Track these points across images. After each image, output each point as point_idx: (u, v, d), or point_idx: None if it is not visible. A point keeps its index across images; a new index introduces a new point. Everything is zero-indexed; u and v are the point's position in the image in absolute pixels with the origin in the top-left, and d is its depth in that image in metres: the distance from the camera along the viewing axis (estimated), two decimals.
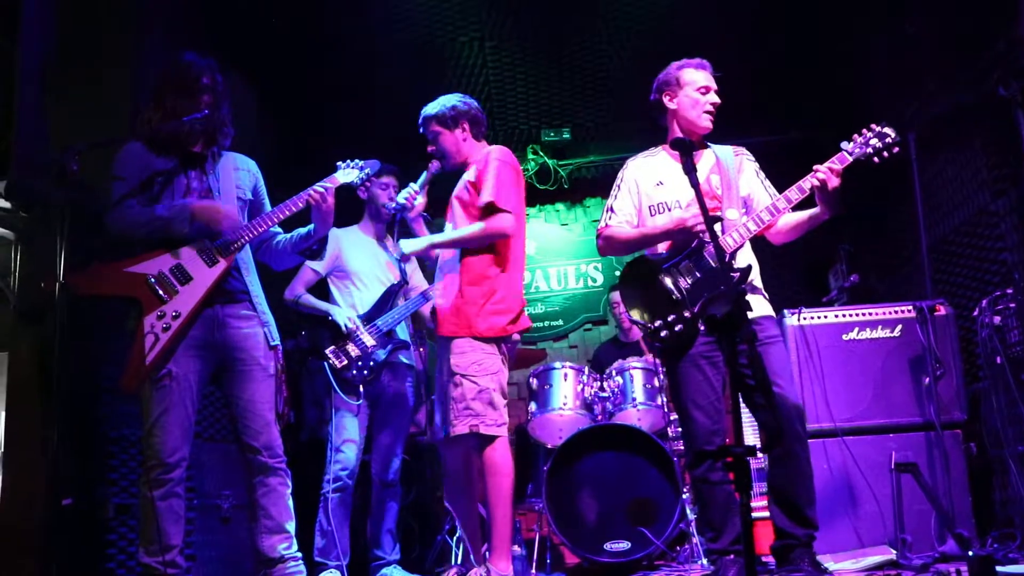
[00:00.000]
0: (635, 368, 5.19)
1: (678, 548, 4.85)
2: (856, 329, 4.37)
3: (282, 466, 3.53)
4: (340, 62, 6.13)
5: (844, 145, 3.43)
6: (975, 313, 4.24)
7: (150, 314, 3.35)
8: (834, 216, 3.50)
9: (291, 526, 3.52)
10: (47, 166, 3.46)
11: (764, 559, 3.87)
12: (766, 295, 3.67)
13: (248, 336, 3.55)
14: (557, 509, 4.65)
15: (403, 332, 4.71)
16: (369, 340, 4.46)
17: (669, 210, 3.64)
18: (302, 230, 3.82)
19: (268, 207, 3.80)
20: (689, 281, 3.50)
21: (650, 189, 3.73)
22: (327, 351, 4.40)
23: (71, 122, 3.96)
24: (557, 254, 7.64)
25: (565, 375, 5.15)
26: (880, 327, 4.38)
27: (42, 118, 3.55)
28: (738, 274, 3.37)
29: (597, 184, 7.65)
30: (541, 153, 7.32)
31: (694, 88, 3.68)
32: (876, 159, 3.41)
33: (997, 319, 4.06)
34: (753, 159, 3.80)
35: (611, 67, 6.51)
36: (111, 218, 3.42)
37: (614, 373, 5.23)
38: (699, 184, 3.02)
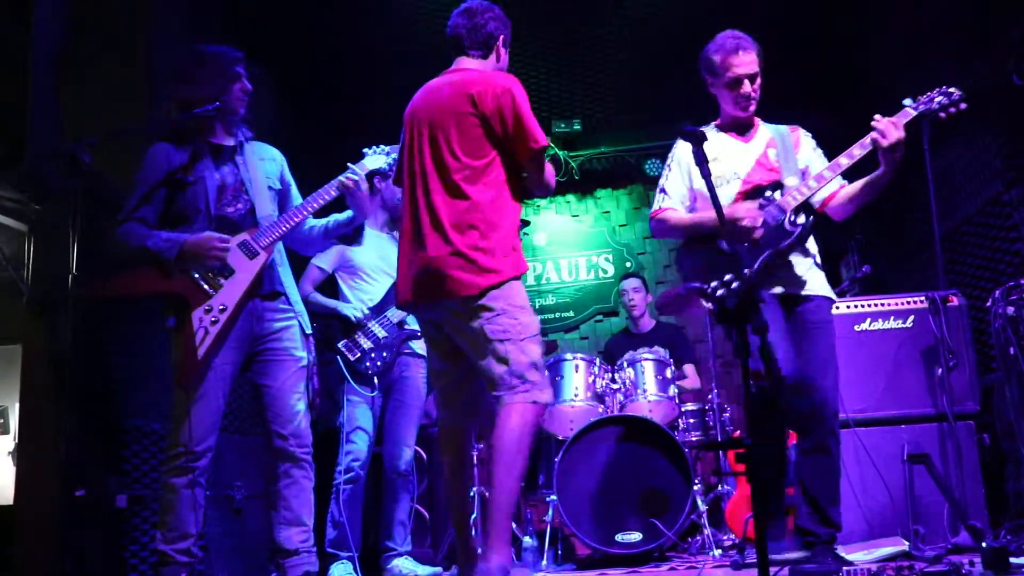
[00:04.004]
0: (646, 359, 5.19)
1: (689, 539, 4.86)
2: (868, 320, 4.36)
3: (308, 457, 3.54)
4: (352, 51, 6.14)
5: (906, 102, 3.33)
6: (988, 304, 4.21)
7: (197, 309, 3.37)
8: (896, 175, 3.36)
9: (309, 520, 3.54)
10: (60, 156, 3.46)
11: None
12: (823, 275, 3.55)
13: (283, 328, 3.59)
14: (569, 500, 4.65)
15: (413, 322, 4.72)
16: (381, 332, 4.48)
17: (727, 183, 3.51)
18: (340, 216, 3.84)
19: (295, 193, 3.81)
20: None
21: (708, 164, 3.55)
22: (339, 344, 4.41)
23: (84, 111, 3.97)
24: (568, 245, 7.65)
25: (576, 366, 5.15)
26: (892, 318, 4.36)
27: (55, 108, 3.56)
28: (799, 228, 3.30)
29: (608, 175, 7.67)
30: (552, 144, 7.31)
31: (724, 80, 3.52)
32: (942, 114, 3.31)
33: (1011, 309, 4.03)
34: (809, 135, 3.68)
35: (622, 58, 6.49)
36: (118, 230, 3.43)
37: (625, 364, 5.23)
38: (710, 175, 2.98)
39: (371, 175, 3.80)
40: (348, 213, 3.85)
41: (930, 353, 4.27)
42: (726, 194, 3.48)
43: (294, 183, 3.84)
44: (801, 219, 3.35)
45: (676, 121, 3.69)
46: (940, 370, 4.22)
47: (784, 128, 3.64)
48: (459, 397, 3.22)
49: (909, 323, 4.34)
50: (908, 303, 4.37)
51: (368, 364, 4.43)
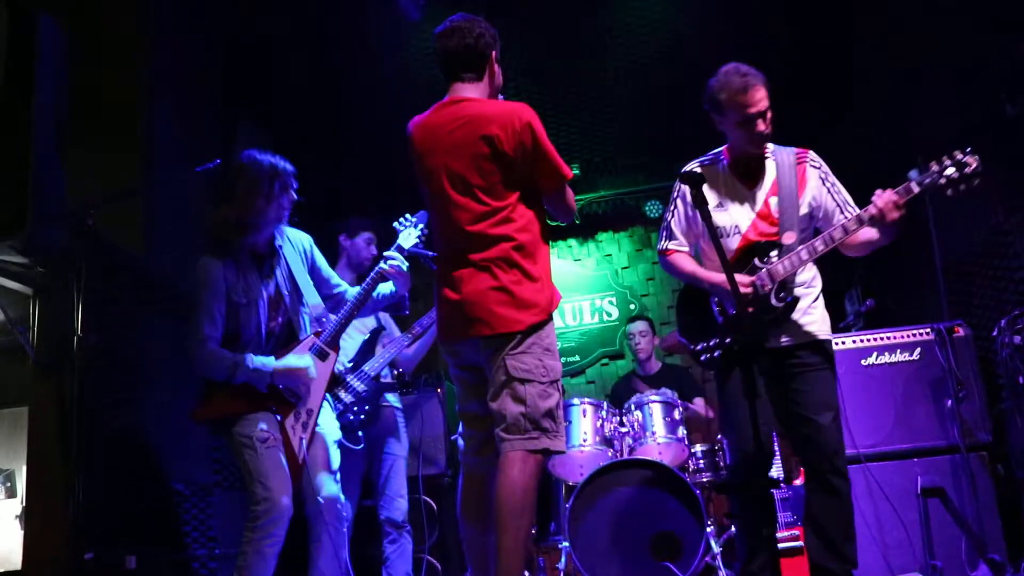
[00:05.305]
0: (654, 402, 5.16)
1: None
2: (875, 354, 4.34)
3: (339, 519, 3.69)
4: (347, 100, 6.21)
5: (912, 174, 3.18)
6: (994, 333, 4.20)
7: (288, 417, 3.63)
8: (893, 241, 3.30)
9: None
10: (64, 220, 3.50)
11: None
12: (825, 312, 3.48)
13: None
14: (581, 546, 4.60)
15: (386, 375, 4.77)
16: (360, 385, 4.53)
17: (729, 236, 3.41)
18: (384, 289, 3.96)
19: (325, 270, 3.95)
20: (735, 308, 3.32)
21: (712, 210, 3.39)
22: None
23: (85, 174, 4.01)
24: (571, 289, 7.64)
25: (584, 411, 5.11)
26: (899, 351, 4.34)
27: (59, 173, 3.60)
28: (782, 304, 3.26)
29: (608, 218, 7.69)
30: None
31: (734, 120, 3.34)
32: (950, 191, 3.13)
33: (1017, 339, 4.02)
34: (818, 163, 3.49)
35: (619, 101, 6.55)
36: (198, 358, 3.55)
37: (633, 407, 5.21)
38: (711, 217, 2.97)
39: (411, 255, 3.90)
40: (391, 287, 3.96)
41: (939, 384, 4.25)
42: (727, 247, 3.39)
43: (319, 254, 3.96)
44: (784, 294, 3.30)
45: (674, 162, 3.74)
46: (950, 401, 4.20)
47: (792, 158, 3.47)
48: (493, 444, 3.02)
49: (916, 355, 4.32)
50: (914, 335, 4.36)
51: (352, 417, 4.48)
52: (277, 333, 3.73)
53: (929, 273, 5.07)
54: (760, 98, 3.30)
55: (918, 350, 4.33)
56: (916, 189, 3.15)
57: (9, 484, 6.25)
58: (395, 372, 4.89)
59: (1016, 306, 4.20)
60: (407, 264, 3.85)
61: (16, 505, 6.08)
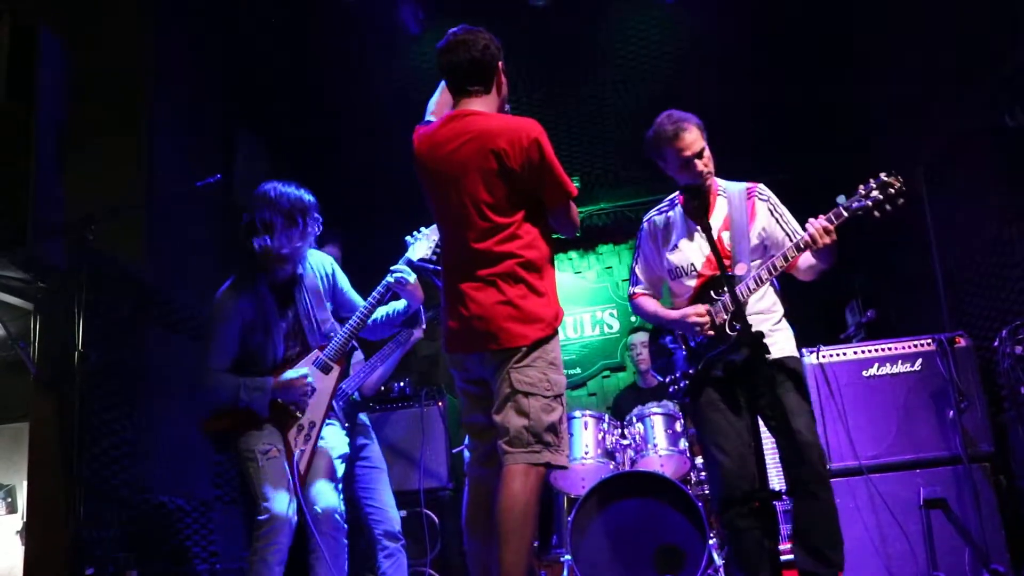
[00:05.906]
0: (655, 414, 5.15)
1: None
2: (876, 365, 4.34)
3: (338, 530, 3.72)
4: (346, 115, 6.23)
5: (840, 200, 3.28)
6: (995, 343, 4.19)
7: (291, 430, 3.69)
8: (830, 267, 3.41)
9: None
10: (64, 235, 3.51)
11: None
12: (788, 332, 3.58)
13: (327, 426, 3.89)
14: (584, 559, 4.59)
15: (356, 394, 4.79)
16: (337, 403, 4.53)
17: (687, 275, 3.56)
18: (398, 306, 3.99)
19: (348, 292, 3.99)
20: (697, 340, 3.50)
21: (668, 253, 3.63)
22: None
23: (85, 183, 4.03)
24: (572, 302, 7.64)
25: (585, 424, 5.11)
26: (900, 361, 4.34)
27: (59, 187, 3.61)
28: (735, 334, 3.33)
29: (608, 231, 7.68)
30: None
31: (676, 166, 3.52)
32: (877, 213, 3.21)
33: (1019, 349, 4.01)
34: (766, 196, 3.60)
35: (618, 114, 6.57)
36: (205, 386, 3.68)
37: (634, 420, 5.20)
38: (711, 228, 3.00)
39: (417, 268, 3.89)
40: (404, 302, 3.98)
41: (940, 395, 4.24)
42: (687, 285, 3.57)
43: (341, 276, 4.00)
44: (755, 307, 3.45)
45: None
46: (951, 412, 4.19)
47: (741, 195, 3.59)
48: (498, 456, 3.02)
49: (917, 366, 4.32)
50: (915, 346, 4.36)
51: None
52: (294, 360, 3.76)
53: (930, 284, 5.08)
54: (692, 140, 3.47)
55: (919, 361, 4.32)
56: (845, 214, 3.24)
57: (10, 499, 6.24)
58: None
59: (1017, 316, 4.20)
60: (414, 276, 3.84)
61: (17, 521, 6.07)
